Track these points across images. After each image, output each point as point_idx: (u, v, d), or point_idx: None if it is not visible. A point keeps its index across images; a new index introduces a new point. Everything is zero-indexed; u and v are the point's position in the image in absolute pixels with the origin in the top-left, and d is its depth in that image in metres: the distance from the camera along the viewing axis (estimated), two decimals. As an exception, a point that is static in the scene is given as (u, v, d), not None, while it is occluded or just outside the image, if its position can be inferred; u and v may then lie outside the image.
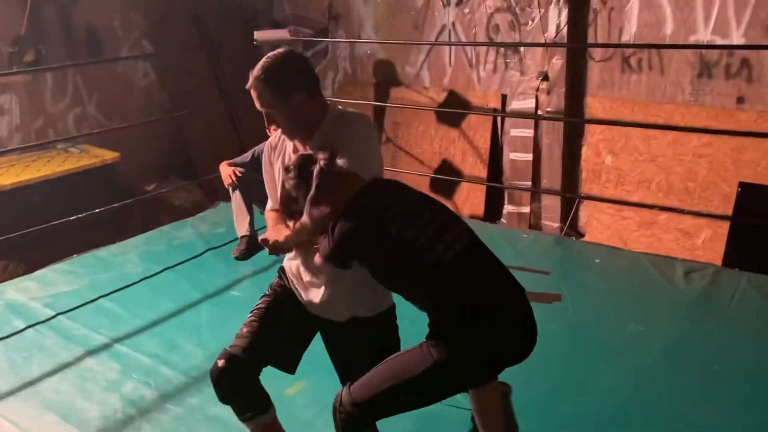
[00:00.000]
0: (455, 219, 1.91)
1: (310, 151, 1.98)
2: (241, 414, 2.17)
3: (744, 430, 2.45)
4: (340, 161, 1.91)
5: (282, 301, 2.18)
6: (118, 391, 2.85)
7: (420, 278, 1.82)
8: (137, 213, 5.03)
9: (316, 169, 1.89)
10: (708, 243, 4.11)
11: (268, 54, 2.03)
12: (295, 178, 1.93)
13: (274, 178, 2.17)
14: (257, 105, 2.04)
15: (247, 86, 2.01)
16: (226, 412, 2.66)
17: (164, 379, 2.92)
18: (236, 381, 2.10)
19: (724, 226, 4.03)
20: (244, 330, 2.13)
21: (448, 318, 1.80)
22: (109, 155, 4.85)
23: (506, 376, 2.37)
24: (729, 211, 4.01)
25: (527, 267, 3.67)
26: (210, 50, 5.68)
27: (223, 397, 2.13)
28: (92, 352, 3.15)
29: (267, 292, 2.23)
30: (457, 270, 1.79)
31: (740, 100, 3.99)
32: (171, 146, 5.63)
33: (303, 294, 2.13)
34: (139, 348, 3.17)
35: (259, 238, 2.14)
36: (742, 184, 3.97)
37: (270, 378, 2.53)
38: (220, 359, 2.08)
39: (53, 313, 3.48)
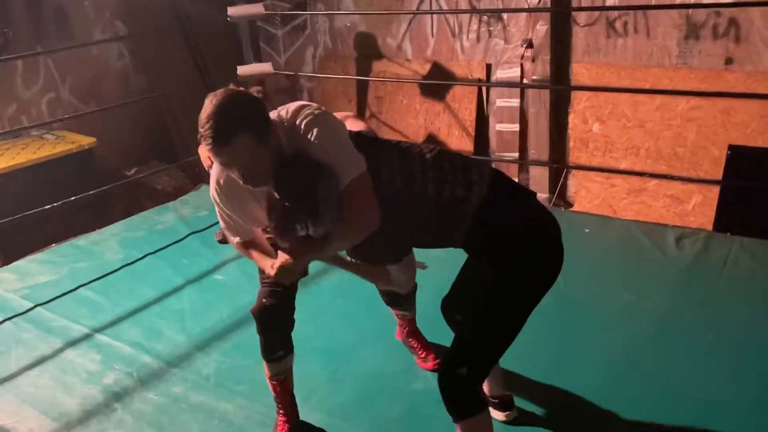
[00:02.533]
0: (473, 161, 1.99)
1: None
2: (274, 352, 2.28)
3: (743, 398, 2.40)
4: (340, 176, 1.78)
5: None
6: (100, 382, 2.77)
7: (459, 215, 1.88)
8: (118, 199, 4.91)
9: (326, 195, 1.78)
10: (699, 208, 4.05)
11: (212, 101, 1.69)
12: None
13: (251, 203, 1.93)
14: (238, 171, 1.73)
15: (213, 153, 1.69)
16: (210, 399, 2.62)
17: (147, 369, 2.84)
18: (281, 313, 2.24)
19: (715, 191, 3.97)
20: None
21: (503, 236, 1.89)
22: (85, 140, 4.71)
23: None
24: (719, 175, 3.94)
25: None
26: (186, 29, 5.52)
27: (267, 330, 2.25)
28: (72, 343, 3.06)
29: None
30: (493, 195, 1.88)
31: (728, 60, 3.90)
32: (150, 129, 5.49)
33: None
34: (120, 337, 3.08)
35: (267, 271, 1.94)
36: (731, 147, 3.90)
37: (255, 365, 2.48)
38: (264, 297, 2.22)
39: (31, 305, 3.38)
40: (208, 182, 4.83)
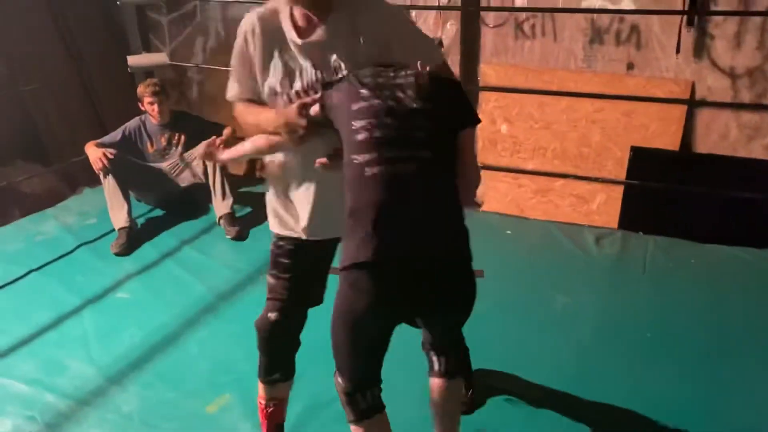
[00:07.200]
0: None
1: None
2: (270, 374, 2.07)
3: (694, 397, 2.46)
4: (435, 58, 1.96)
5: (294, 250, 1.98)
6: (-8, 432, 2.34)
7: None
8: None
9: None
10: (603, 207, 4.20)
11: None
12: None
13: (263, 62, 1.92)
14: None
15: None
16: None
17: (52, 410, 2.43)
18: (287, 332, 2.02)
19: (618, 190, 4.14)
20: (276, 282, 1.99)
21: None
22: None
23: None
24: (622, 175, 4.12)
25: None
26: (56, 12, 4.89)
27: (271, 350, 2.03)
28: (-51, 383, 2.56)
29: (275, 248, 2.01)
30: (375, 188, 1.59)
31: (630, 66, 4.08)
32: (15, 126, 4.81)
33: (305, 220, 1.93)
34: (10, 373, 2.63)
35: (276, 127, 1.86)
36: (633, 148, 4.08)
37: (185, 397, 2.22)
38: (270, 312, 1.98)
39: None
40: (90, 185, 4.35)
